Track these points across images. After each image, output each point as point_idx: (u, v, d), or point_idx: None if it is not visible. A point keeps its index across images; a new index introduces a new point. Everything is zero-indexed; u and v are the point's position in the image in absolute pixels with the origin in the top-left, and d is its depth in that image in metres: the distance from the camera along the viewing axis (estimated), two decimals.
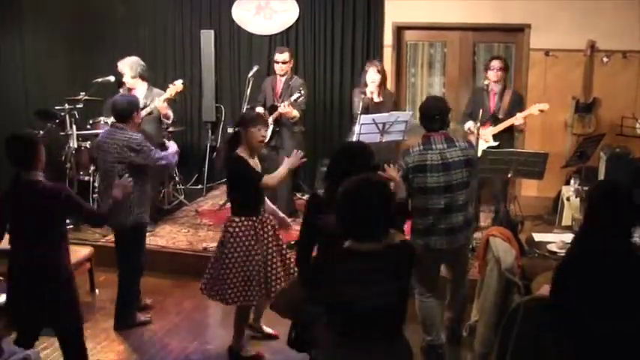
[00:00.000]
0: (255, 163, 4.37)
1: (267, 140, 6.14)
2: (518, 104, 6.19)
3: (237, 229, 4.30)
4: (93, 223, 4.40)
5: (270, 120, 6.27)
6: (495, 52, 7.49)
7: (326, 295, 2.66)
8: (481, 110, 5.77)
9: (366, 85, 6.14)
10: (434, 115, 4.19)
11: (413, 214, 4.20)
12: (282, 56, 6.48)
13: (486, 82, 6.11)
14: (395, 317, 2.69)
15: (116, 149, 4.60)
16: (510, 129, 6.13)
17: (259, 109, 6.40)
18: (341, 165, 3.49)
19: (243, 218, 4.32)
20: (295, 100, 6.25)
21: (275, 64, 6.55)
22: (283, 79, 6.55)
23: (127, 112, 4.69)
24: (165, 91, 6.08)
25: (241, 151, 4.30)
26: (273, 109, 6.43)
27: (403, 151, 4.33)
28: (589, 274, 2.83)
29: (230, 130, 6.22)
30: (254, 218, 4.34)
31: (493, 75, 6.07)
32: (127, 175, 4.27)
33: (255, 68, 6.78)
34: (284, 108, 6.23)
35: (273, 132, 6.43)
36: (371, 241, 2.63)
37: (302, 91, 6.29)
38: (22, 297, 3.72)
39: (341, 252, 2.68)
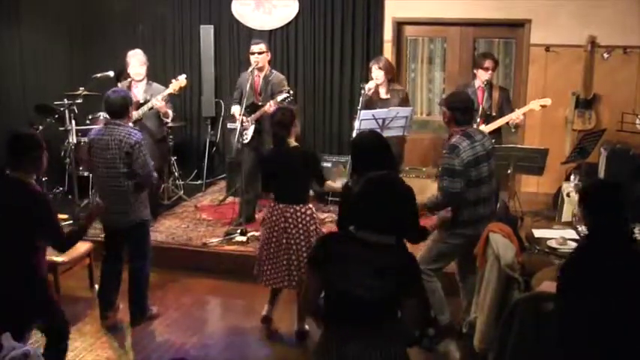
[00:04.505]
0: None
1: (247, 141, 6.13)
2: (507, 100, 6.14)
3: (267, 213, 4.65)
4: (55, 244, 3.83)
5: (252, 119, 6.10)
6: (495, 48, 7.51)
7: (320, 273, 2.70)
8: (480, 109, 5.77)
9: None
10: (468, 107, 4.36)
11: (462, 207, 4.26)
12: (258, 47, 6.18)
13: (476, 82, 5.99)
14: (380, 313, 2.65)
15: (117, 144, 4.55)
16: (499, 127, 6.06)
17: (235, 107, 6.23)
18: (366, 156, 3.76)
19: (272, 203, 4.62)
20: (283, 101, 5.81)
21: (251, 56, 6.19)
22: (262, 74, 6.23)
23: (123, 108, 4.64)
24: (164, 86, 6.07)
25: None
26: (253, 107, 6.11)
27: (448, 148, 4.25)
28: (596, 271, 2.82)
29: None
30: (281, 205, 4.54)
31: (485, 75, 5.92)
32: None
33: (254, 64, 6.75)
34: (270, 107, 5.80)
35: (255, 132, 6.12)
36: (374, 233, 2.64)
37: (290, 91, 5.98)
38: None
39: (343, 234, 2.77)
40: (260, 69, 6.24)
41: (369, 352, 2.61)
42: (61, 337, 3.85)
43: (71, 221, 6.03)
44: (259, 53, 6.18)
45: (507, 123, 5.93)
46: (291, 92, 6.02)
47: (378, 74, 5.97)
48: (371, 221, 2.65)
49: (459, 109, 4.27)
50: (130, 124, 4.85)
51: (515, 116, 5.90)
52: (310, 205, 4.59)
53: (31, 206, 3.60)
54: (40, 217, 3.62)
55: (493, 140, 4.63)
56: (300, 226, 4.50)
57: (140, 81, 6.18)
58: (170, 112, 6.19)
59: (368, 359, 2.61)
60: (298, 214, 4.51)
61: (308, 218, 4.53)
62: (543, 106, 5.92)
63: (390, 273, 2.59)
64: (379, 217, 2.64)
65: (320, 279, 2.70)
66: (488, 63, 5.95)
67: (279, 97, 5.90)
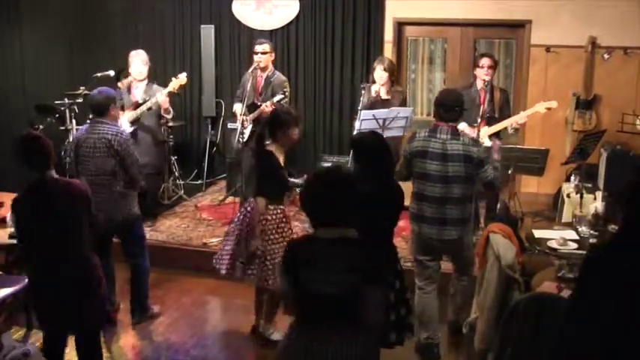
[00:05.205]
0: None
1: (245, 140, 6.12)
2: (507, 102, 6.12)
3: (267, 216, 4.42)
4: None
5: (250, 119, 6.11)
6: (496, 48, 7.51)
7: (289, 278, 2.74)
8: (481, 110, 5.76)
9: (374, 83, 6.06)
10: (453, 106, 4.28)
11: (412, 198, 4.33)
12: (262, 47, 6.20)
13: (478, 83, 5.96)
14: (351, 311, 2.67)
15: (105, 143, 4.53)
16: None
17: (237, 106, 6.24)
18: (365, 156, 3.74)
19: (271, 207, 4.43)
20: (278, 102, 5.87)
21: (254, 55, 6.22)
22: (264, 74, 6.24)
23: (104, 105, 4.62)
24: (164, 87, 6.07)
25: (273, 148, 4.40)
26: (253, 106, 6.12)
27: (410, 135, 4.39)
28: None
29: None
30: (250, 200, 4.53)
31: (484, 73, 5.89)
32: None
33: (255, 64, 6.74)
34: (267, 108, 5.90)
35: (252, 132, 6.09)
36: (331, 228, 2.70)
37: (285, 92, 6.00)
38: (49, 301, 3.64)
39: (306, 236, 2.86)
40: (263, 69, 6.24)
41: (349, 348, 2.66)
42: (93, 343, 3.86)
43: None
44: (262, 53, 6.19)
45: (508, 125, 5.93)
46: (286, 93, 6.03)
47: (381, 75, 5.94)
48: (318, 215, 2.72)
49: (442, 105, 4.28)
50: (118, 123, 4.89)
51: (519, 118, 5.88)
52: (273, 207, 4.43)
53: (79, 198, 3.67)
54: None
55: (484, 146, 4.50)
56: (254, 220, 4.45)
57: (141, 81, 6.18)
58: (170, 109, 6.19)
59: (351, 356, 2.65)
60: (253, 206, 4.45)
61: (261, 216, 4.41)
62: (549, 109, 5.90)
63: (356, 265, 2.64)
64: (323, 210, 2.70)
65: (293, 285, 2.73)
66: (485, 61, 5.91)
67: (275, 98, 5.95)
